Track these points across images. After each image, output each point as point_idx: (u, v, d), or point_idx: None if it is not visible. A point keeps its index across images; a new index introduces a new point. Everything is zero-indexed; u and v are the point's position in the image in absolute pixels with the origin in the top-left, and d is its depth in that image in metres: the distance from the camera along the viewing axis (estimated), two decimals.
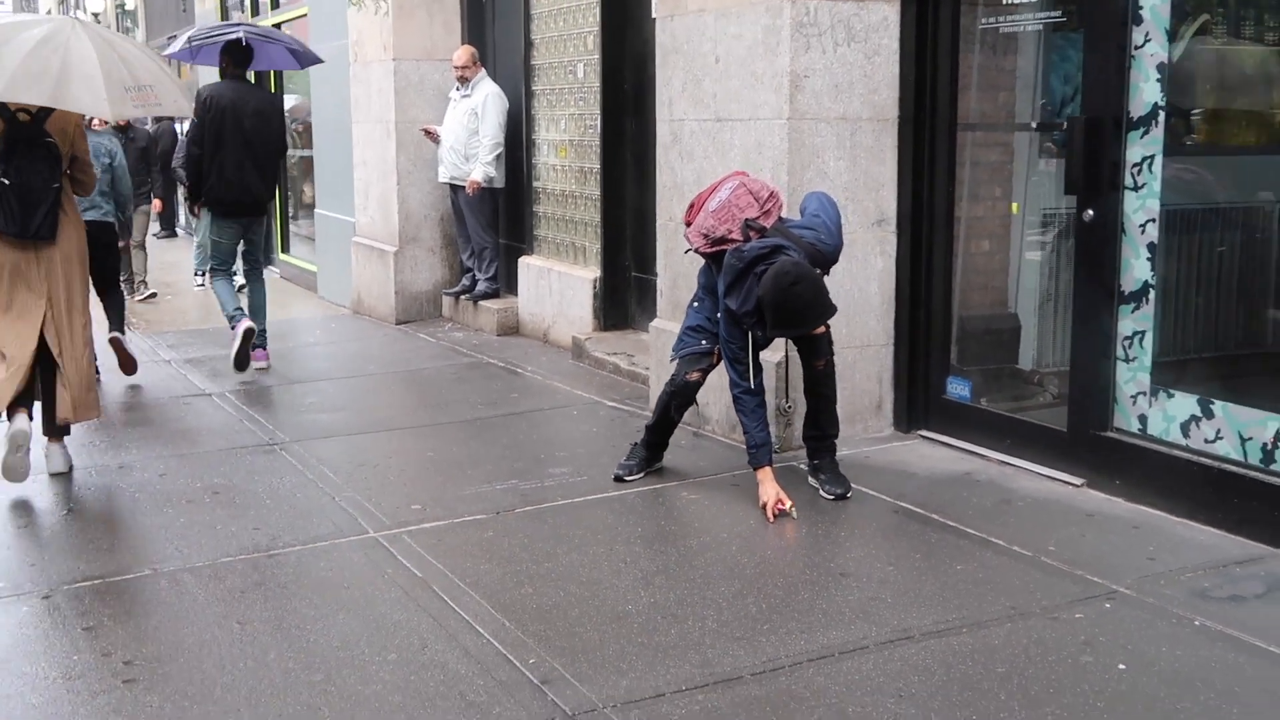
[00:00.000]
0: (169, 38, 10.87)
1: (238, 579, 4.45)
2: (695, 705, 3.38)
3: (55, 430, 5.83)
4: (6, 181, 5.52)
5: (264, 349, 8.33)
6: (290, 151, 13.95)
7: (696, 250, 5.12)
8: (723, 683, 3.51)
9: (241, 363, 7.96)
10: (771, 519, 4.87)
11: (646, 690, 3.48)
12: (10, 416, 5.60)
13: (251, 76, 8.66)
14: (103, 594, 4.34)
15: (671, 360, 5.45)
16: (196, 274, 12.15)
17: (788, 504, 4.91)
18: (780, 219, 4.99)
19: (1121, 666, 3.53)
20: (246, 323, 8.01)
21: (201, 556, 4.68)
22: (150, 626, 4.07)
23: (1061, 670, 3.52)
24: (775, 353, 5.61)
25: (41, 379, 5.74)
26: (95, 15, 27.02)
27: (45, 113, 5.63)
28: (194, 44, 8.37)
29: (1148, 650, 3.64)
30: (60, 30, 5.55)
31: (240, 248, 8.44)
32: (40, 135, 5.63)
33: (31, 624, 4.12)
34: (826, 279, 5.11)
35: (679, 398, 5.36)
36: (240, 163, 7.96)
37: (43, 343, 5.67)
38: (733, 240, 4.90)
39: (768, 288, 4.68)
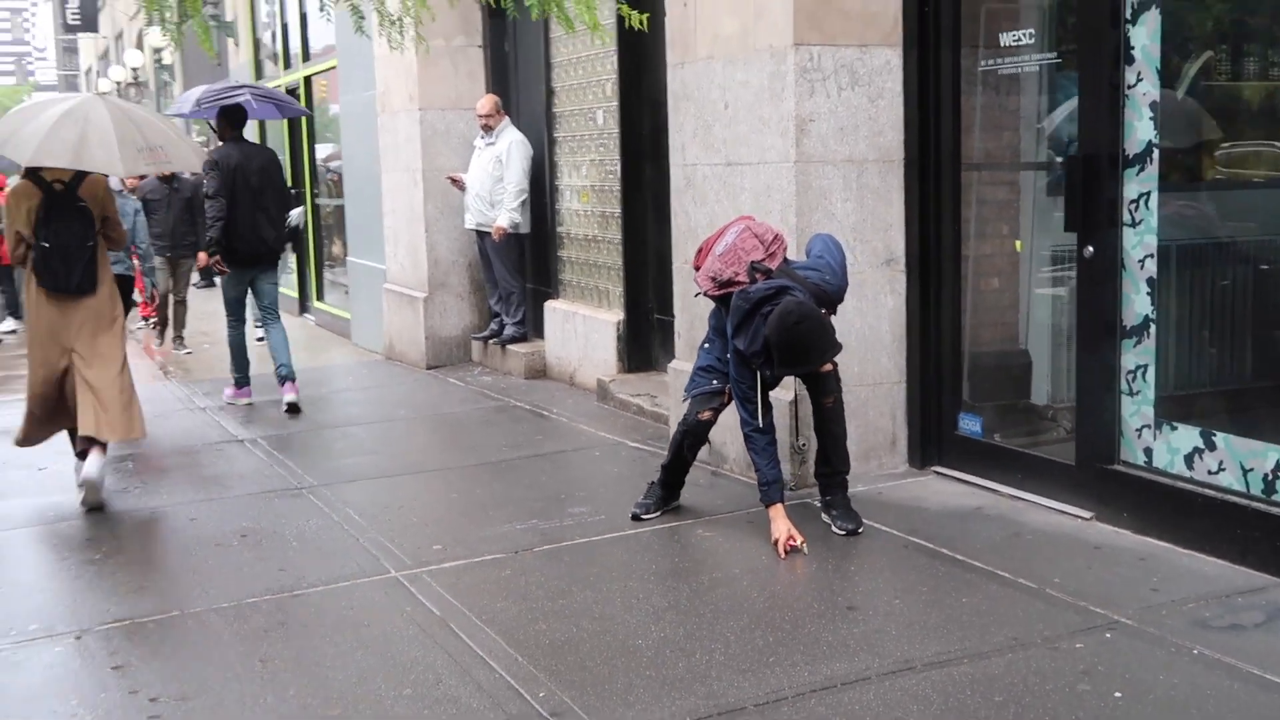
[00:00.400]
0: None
1: (261, 619, 4.58)
2: None
3: (88, 446, 6.26)
4: (47, 245, 6.26)
5: (293, 381, 8.77)
6: (323, 201, 14.28)
7: (705, 293, 5.25)
8: (726, 713, 3.61)
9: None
10: (783, 555, 4.96)
11: None
12: (79, 455, 6.35)
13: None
14: (131, 634, 4.49)
15: (684, 400, 5.57)
16: (256, 324, 11.29)
17: (799, 540, 5.01)
18: (785, 261, 5.11)
19: (1118, 695, 3.60)
20: (249, 395, 8.98)
21: (227, 597, 4.82)
22: (176, 665, 4.21)
23: (1058, 699, 3.60)
24: (787, 391, 5.72)
25: (78, 410, 6.30)
26: (134, 69, 27.64)
27: (77, 181, 6.35)
28: (203, 105, 9.25)
29: (1145, 678, 3.70)
30: (81, 104, 6.42)
31: (262, 300, 8.93)
32: (74, 200, 6.35)
33: (63, 663, 4.27)
34: (837, 318, 5.24)
35: (691, 437, 5.48)
36: (253, 216, 8.58)
37: (68, 384, 6.34)
38: (739, 282, 5.03)
39: (773, 328, 4.79)
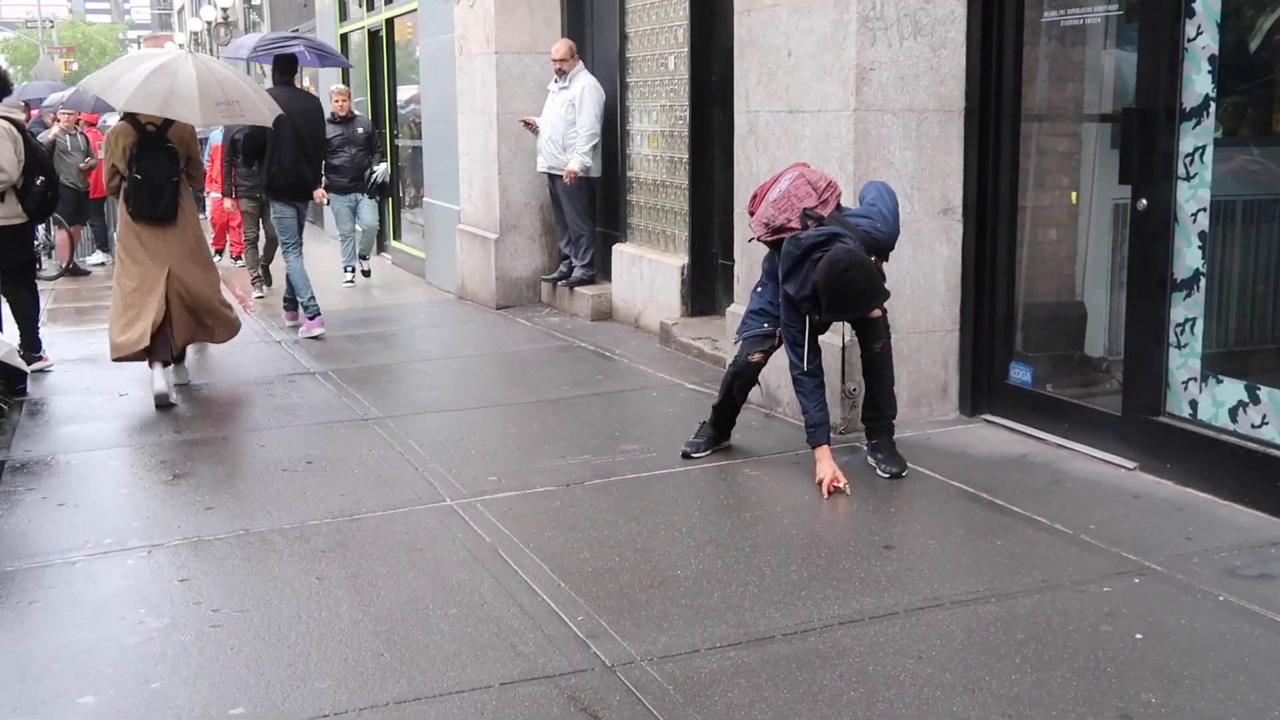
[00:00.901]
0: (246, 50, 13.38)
1: (321, 540, 4.80)
2: (726, 660, 3.63)
3: (168, 357, 7.27)
4: (140, 177, 7.23)
5: (313, 318, 9.56)
6: (402, 142, 14.51)
7: (758, 239, 5.34)
8: (755, 641, 3.75)
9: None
10: (825, 496, 5.08)
11: (683, 646, 3.73)
12: (152, 365, 7.19)
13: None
14: (199, 550, 4.73)
15: (735, 342, 5.68)
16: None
17: (842, 482, 5.12)
18: (839, 208, 5.18)
19: (1139, 636, 3.69)
20: (321, 324, 9.49)
21: (290, 519, 5.05)
22: (238, 580, 4.44)
23: (1079, 638, 3.69)
24: (838, 337, 5.81)
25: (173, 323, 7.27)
26: (224, 9, 28.03)
27: (167, 124, 7.30)
28: (259, 51, 11.94)
29: (1167, 622, 3.78)
30: (173, 60, 7.45)
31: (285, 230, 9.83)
32: (164, 141, 7.31)
33: (134, 575, 4.51)
34: (890, 264, 5.31)
35: (741, 378, 5.59)
36: (295, 155, 9.42)
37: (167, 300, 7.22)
38: (791, 229, 5.11)
39: (822, 274, 4.88)
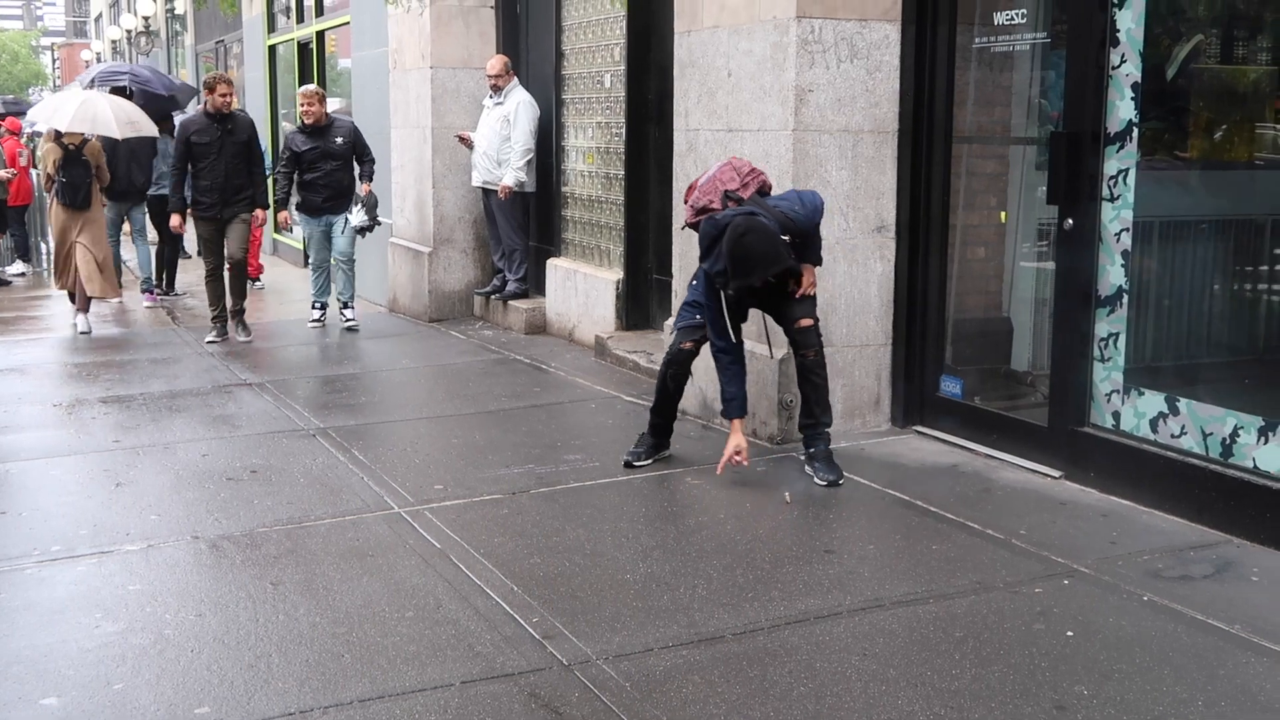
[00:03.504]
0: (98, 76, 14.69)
1: (272, 546, 4.85)
2: (679, 659, 3.76)
3: (86, 304, 10.53)
4: (65, 180, 10.53)
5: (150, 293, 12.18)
6: None
7: (686, 222, 5.63)
8: (706, 641, 3.89)
9: None
10: (722, 466, 5.44)
11: (637, 646, 3.86)
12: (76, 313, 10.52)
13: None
14: (149, 556, 4.77)
15: (671, 334, 5.87)
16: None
17: (744, 456, 5.43)
18: (762, 193, 5.45)
19: (1069, 634, 3.88)
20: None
21: (239, 527, 5.10)
22: (192, 585, 4.48)
23: (1014, 636, 3.87)
24: (777, 349, 5.98)
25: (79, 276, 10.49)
26: (145, 18, 27.69)
27: (83, 144, 10.66)
28: (98, 82, 13.47)
29: (1096, 621, 3.98)
30: (90, 97, 11.12)
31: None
32: (80, 155, 10.64)
33: (85, 581, 4.54)
34: (828, 280, 5.51)
35: (674, 366, 5.79)
36: (127, 165, 11.86)
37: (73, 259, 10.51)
38: (713, 209, 5.38)
39: (725, 241, 5.15)
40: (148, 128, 11.36)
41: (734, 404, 5.51)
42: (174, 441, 6.56)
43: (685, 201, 5.71)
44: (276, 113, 16.37)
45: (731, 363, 5.51)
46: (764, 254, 5.13)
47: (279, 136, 16.15)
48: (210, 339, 9.70)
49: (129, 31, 29.47)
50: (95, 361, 9.02)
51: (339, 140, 10.08)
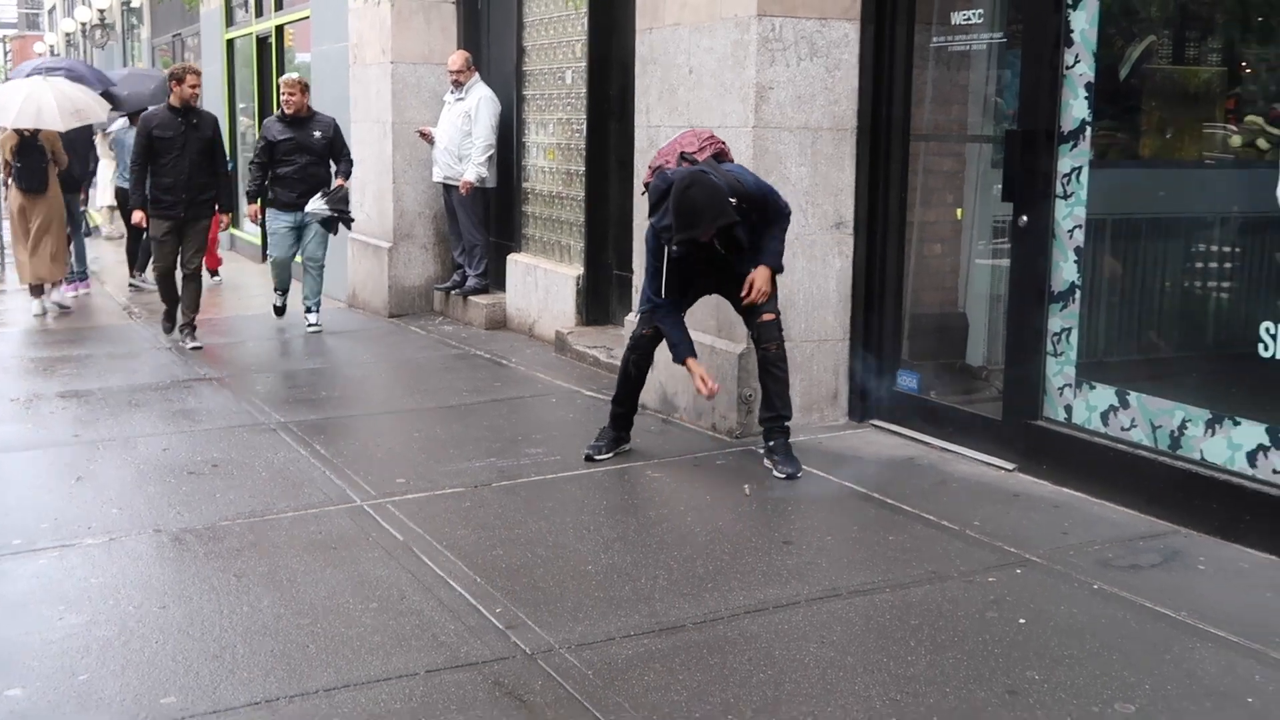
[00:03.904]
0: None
1: (234, 539, 4.87)
2: (640, 647, 3.82)
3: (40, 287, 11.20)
4: (20, 165, 10.94)
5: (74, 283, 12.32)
6: None
7: (644, 182, 5.75)
8: (667, 630, 3.95)
9: None
10: (705, 390, 5.55)
11: (598, 635, 3.91)
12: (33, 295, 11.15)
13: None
14: (111, 550, 4.78)
15: (634, 317, 5.94)
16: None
17: (710, 384, 5.57)
18: (719, 159, 5.55)
19: (1022, 621, 3.97)
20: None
21: (201, 520, 5.11)
22: (155, 578, 4.50)
23: (968, 623, 3.96)
24: (737, 344, 6.05)
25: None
26: (100, 11, 27.44)
27: (37, 132, 10.88)
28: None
29: (1047, 608, 4.07)
30: (35, 88, 11.10)
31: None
32: (35, 142, 10.95)
33: (47, 574, 4.54)
34: (788, 276, 5.60)
35: (636, 352, 5.87)
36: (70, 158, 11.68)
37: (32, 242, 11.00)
38: (668, 168, 5.51)
39: (673, 193, 5.26)
40: (94, 114, 11.68)
41: (681, 346, 5.64)
42: (134, 436, 6.55)
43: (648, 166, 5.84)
44: (235, 108, 16.28)
45: (670, 312, 5.66)
46: (707, 206, 5.21)
47: (236, 133, 16.09)
48: (175, 337, 9.43)
49: (84, 24, 29.21)
50: (52, 356, 8.98)
51: (317, 134, 9.70)
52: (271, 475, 5.75)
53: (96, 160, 14.02)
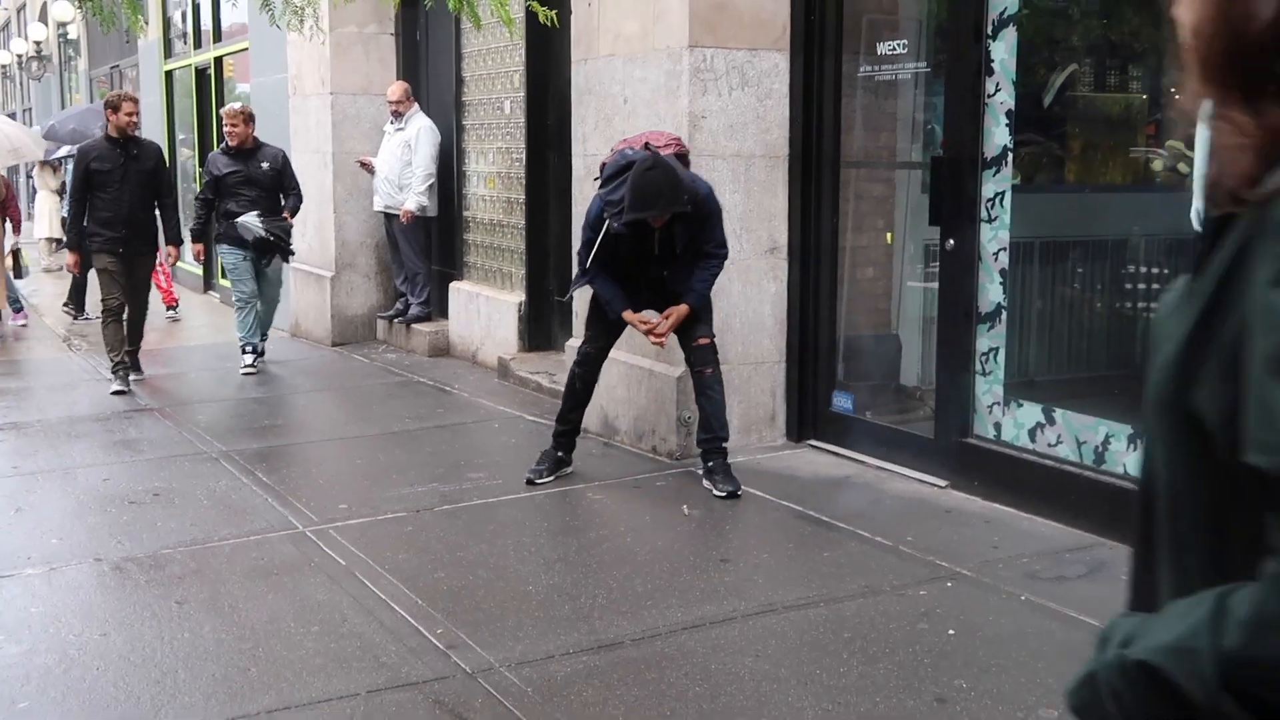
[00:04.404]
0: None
1: (176, 567, 4.89)
2: (579, 664, 3.89)
3: None
4: None
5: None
6: None
7: (602, 163, 5.80)
8: (605, 647, 4.02)
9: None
10: (654, 338, 5.72)
11: (538, 653, 3.98)
12: None
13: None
14: (51, 580, 4.78)
15: (575, 342, 6.02)
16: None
17: (656, 328, 5.66)
18: (677, 158, 5.62)
19: (951, 632, 4.08)
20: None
21: (143, 549, 5.12)
22: (95, 606, 4.51)
23: (900, 635, 4.06)
24: (674, 367, 6.15)
25: None
26: (37, 43, 27.24)
27: None
28: None
29: (976, 619, 4.19)
30: None
31: None
32: None
33: None
34: (723, 300, 5.72)
35: (582, 367, 5.95)
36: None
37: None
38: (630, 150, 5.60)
39: (634, 171, 5.34)
40: (30, 153, 12.59)
41: (615, 301, 5.71)
42: (74, 466, 6.54)
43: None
44: (174, 139, 16.23)
45: (596, 276, 5.71)
46: (665, 189, 5.31)
47: (177, 164, 16.03)
48: (115, 389, 8.47)
49: (19, 56, 28.95)
50: None
51: (265, 166, 9.17)
52: (214, 503, 5.77)
53: (34, 192, 14.13)
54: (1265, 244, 1.06)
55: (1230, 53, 1.09)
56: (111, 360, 8.68)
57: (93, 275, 12.52)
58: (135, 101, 8.93)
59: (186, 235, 9.89)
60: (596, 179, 5.90)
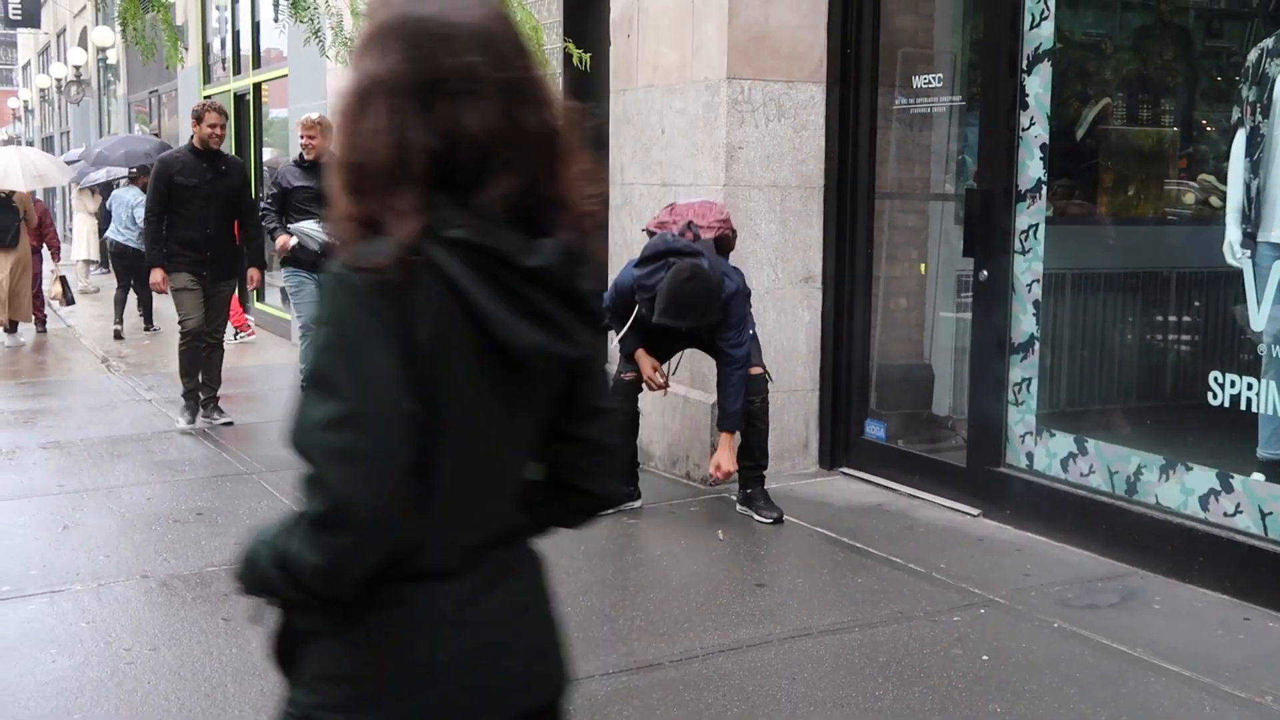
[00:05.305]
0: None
1: (221, 584, 4.98)
2: (619, 684, 3.96)
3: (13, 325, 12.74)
4: None
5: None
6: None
7: (647, 228, 5.85)
8: (644, 668, 4.10)
9: None
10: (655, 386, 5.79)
11: (579, 673, 4.00)
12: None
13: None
14: (100, 595, 4.89)
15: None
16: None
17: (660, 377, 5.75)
18: (722, 241, 5.63)
19: (985, 658, 4.14)
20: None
21: (188, 566, 5.23)
22: (144, 622, 4.62)
23: (934, 660, 4.13)
24: (709, 395, 6.23)
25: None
26: (76, 67, 27.65)
27: (11, 193, 12.80)
28: None
29: (1010, 646, 4.25)
30: (6, 153, 13.59)
31: None
32: (10, 202, 12.80)
33: (38, 619, 4.65)
34: (759, 328, 5.77)
35: (617, 395, 5.95)
36: None
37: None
38: (670, 228, 5.62)
39: (669, 277, 5.33)
40: (55, 180, 14.50)
41: (630, 339, 5.74)
42: (117, 485, 6.67)
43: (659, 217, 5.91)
44: None
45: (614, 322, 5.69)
46: (699, 303, 5.35)
47: None
48: (183, 425, 8.02)
49: (59, 80, 29.38)
50: (31, 409, 9.07)
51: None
52: (256, 523, 5.79)
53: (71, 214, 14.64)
54: None
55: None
56: (185, 387, 8.16)
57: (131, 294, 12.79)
58: (221, 113, 8.16)
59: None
60: (645, 230, 5.93)
